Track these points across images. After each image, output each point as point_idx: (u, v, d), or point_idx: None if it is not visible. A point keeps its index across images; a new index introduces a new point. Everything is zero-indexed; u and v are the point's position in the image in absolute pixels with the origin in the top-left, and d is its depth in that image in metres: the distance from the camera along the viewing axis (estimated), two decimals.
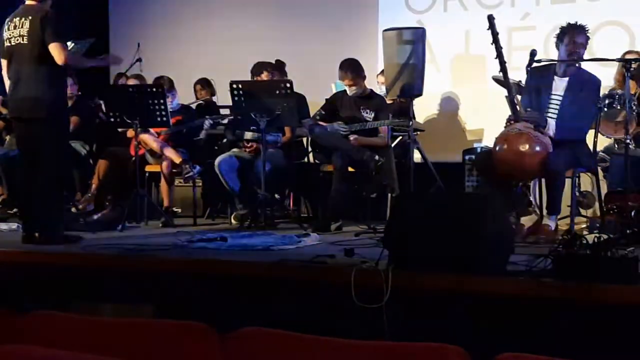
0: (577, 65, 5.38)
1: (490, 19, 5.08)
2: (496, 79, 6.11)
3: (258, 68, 6.99)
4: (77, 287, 4.42)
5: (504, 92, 5.80)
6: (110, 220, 6.28)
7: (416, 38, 6.07)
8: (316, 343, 2.38)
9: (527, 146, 5.03)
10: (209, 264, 4.31)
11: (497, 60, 5.00)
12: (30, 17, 5.11)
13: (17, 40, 5.15)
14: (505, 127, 5.29)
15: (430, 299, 3.64)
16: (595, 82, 5.36)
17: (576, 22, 5.35)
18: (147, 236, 5.67)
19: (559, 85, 5.35)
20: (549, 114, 5.28)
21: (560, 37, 5.33)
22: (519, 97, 5.42)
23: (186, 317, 2.83)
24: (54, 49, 5.04)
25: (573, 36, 5.27)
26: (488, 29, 5.09)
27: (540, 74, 5.44)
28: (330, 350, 2.34)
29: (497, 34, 5.07)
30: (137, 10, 9.74)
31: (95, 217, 6.62)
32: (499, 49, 5.08)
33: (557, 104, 5.31)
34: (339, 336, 2.52)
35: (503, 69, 5.13)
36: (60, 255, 4.71)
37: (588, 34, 5.33)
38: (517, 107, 5.20)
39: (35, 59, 5.11)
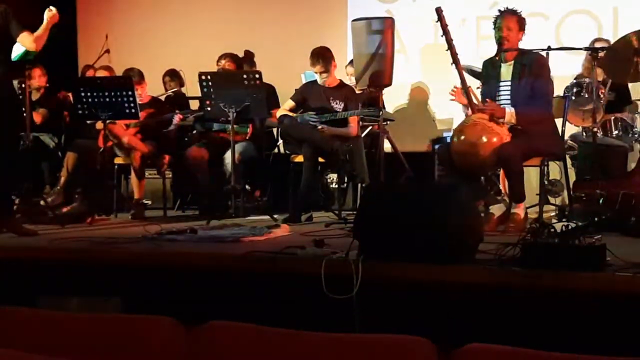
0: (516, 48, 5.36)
1: (439, 11, 5.11)
2: (466, 69, 6.13)
3: (219, 58, 6.99)
4: (43, 281, 4.37)
5: (475, 82, 5.83)
6: (79, 213, 6.23)
7: (385, 28, 6.09)
8: (283, 336, 2.38)
9: (481, 137, 5.04)
10: (178, 257, 4.29)
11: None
12: None
13: None
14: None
15: (400, 289, 3.65)
16: (539, 60, 5.34)
17: (506, 7, 5.36)
18: (116, 229, 5.63)
19: (506, 72, 5.36)
20: (502, 102, 5.28)
21: (494, 24, 5.34)
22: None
23: (155, 310, 2.81)
24: (25, 38, 5.09)
25: (503, 21, 5.28)
26: (437, 22, 5.11)
27: (490, 64, 5.47)
28: (298, 344, 2.34)
29: (447, 25, 5.10)
30: (105, 1, 9.64)
31: (64, 210, 6.55)
32: (449, 40, 5.11)
33: (507, 91, 5.32)
34: (310, 327, 2.51)
35: (455, 60, 5.15)
36: (27, 249, 4.66)
37: (520, 16, 5.32)
38: (472, 98, 5.22)
39: None
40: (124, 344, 2.43)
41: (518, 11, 5.32)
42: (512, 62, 5.32)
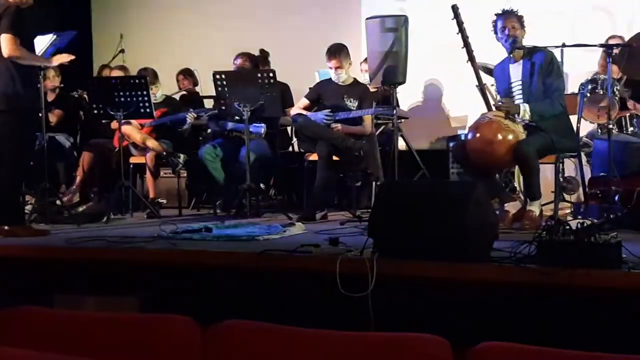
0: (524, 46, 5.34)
1: (455, 8, 5.11)
2: (481, 67, 6.11)
3: (236, 57, 7.01)
4: (60, 280, 4.40)
5: (487, 79, 5.82)
6: (95, 213, 6.26)
7: (399, 26, 6.08)
8: (299, 335, 2.38)
9: (497, 134, 5.04)
10: (194, 255, 4.30)
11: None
12: None
13: None
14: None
15: (415, 287, 3.65)
16: (546, 54, 5.30)
17: (503, 9, 5.35)
18: (132, 228, 5.65)
19: (515, 72, 5.35)
20: (516, 101, 5.28)
21: (495, 29, 5.32)
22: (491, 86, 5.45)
23: (171, 309, 2.83)
24: (3, 40, 5.04)
25: (504, 22, 5.27)
26: (453, 19, 5.10)
27: (500, 67, 5.48)
28: (314, 342, 2.34)
29: (463, 23, 5.09)
30: (119, 1, 9.68)
31: (80, 209, 6.59)
32: (465, 38, 5.10)
33: (520, 90, 5.31)
34: (325, 326, 2.52)
35: (471, 57, 5.15)
36: (43, 249, 4.69)
37: (519, 15, 5.31)
38: (488, 96, 5.22)
39: None
40: (140, 343, 2.44)
41: (515, 10, 5.31)
42: (521, 61, 5.31)
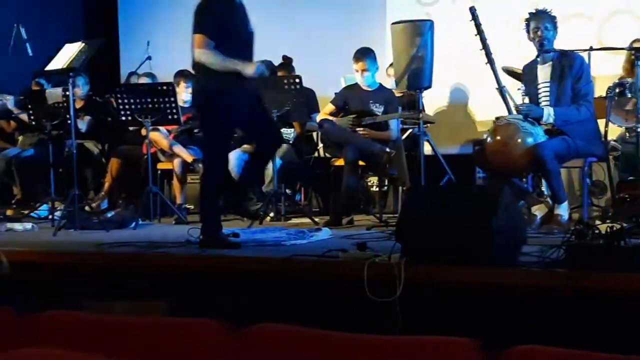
0: (554, 49, 5.32)
1: (472, 11, 5.10)
2: (506, 70, 6.10)
3: None
4: (91, 285, 4.44)
5: (514, 82, 5.80)
6: (123, 218, 6.30)
7: (425, 30, 6.07)
8: (330, 338, 2.39)
9: (513, 136, 5.02)
10: (222, 260, 4.32)
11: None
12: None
13: None
14: None
15: (443, 291, 3.64)
16: (577, 59, 5.28)
17: (536, 9, 5.32)
18: (160, 233, 5.69)
19: (544, 73, 5.33)
20: (543, 104, 5.26)
21: (527, 29, 5.30)
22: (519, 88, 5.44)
23: (200, 313, 2.85)
24: (194, 40, 4.79)
25: (538, 23, 5.25)
26: (471, 21, 5.10)
27: (528, 67, 5.45)
28: (345, 345, 2.35)
29: (481, 25, 5.09)
30: (146, 8, 9.75)
31: (109, 215, 6.64)
32: (483, 40, 5.10)
33: (547, 92, 5.29)
34: (352, 331, 2.52)
35: (489, 60, 5.14)
36: (74, 255, 4.73)
37: (552, 15, 5.28)
38: (508, 99, 5.21)
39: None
40: (172, 347, 2.47)
41: (548, 10, 5.29)
42: (551, 63, 5.29)
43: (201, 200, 5.03)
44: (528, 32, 5.29)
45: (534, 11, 5.32)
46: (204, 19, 4.75)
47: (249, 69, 4.71)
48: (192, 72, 5.07)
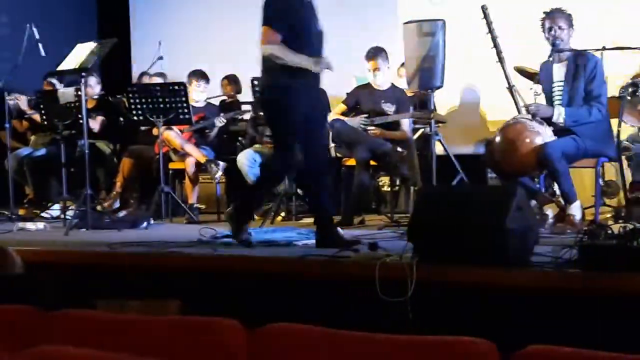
0: (569, 48, 5.31)
1: (484, 9, 5.10)
2: (518, 69, 6.09)
3: None
4: (103, 285, 4.46)
5: (526, 82, 5.79)
6: (135, 218, 6.33)
7: (436, 30, 6.06)
8: (343, 337, 2.39)
9: (519, 135, 5.02)
10: (234, 260, 4.33)
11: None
12: None
13: None
14: None
15: (455, 291, 3.64)
16: (592, 59, 5.26)
17: (552, 8, 5.30)
18: (172, 233, 5.70)
19: (558, 72, 5.31)
20: (557, 103, 5.25)
21: (542, 27, 5.29)
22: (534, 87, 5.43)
23: (212, 312, 2.85)
24: (262, 33, 4.68)
25: (551, 22, 5.23)
26: (482, 19, 5.10)
27: (545, 64, 5.43)
28: (358, 344, 2.35)
29: (492, 23, 5.09)
30: (158, 8, 9.77)
31: (121, 215, 6.67)
32: (494, 38, 5.10)
33: (560, 91, 5.28)
34: (364, 330, 2.52)
35: (500, 58, 5.14)
36: (86, 254, 4.75)
37: (567, 14, 5.27)
38: (517, 98, 5.20)
39: None
40: (185, 346, 2.47)
41: (563, 9, 5.27)
42: (566, 62, 5.27)
43: (247, 189, 4.92)
44: (543, 31, 5.28)
45: (548, 10, 5.30)
46: (272, 12, 4.64)
47: (316, 65, 4.66)
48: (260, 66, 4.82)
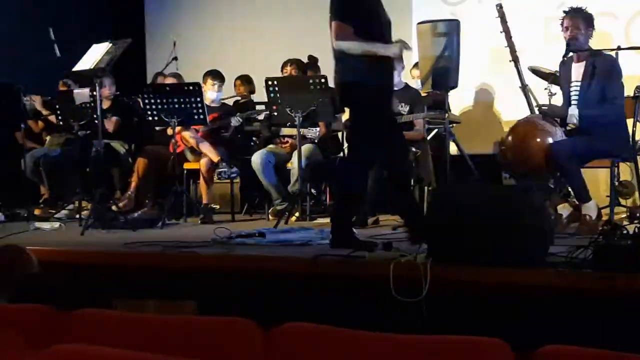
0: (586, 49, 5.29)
1: (499, 7, 5.10)
2: (532, 69, 6.08)
3: (284, 64, 7.06)
4: (120, 285, 4.48)
5: (541, 82, 5.78)
6: (150, 218, 6.35)
7: (450, 30, 6.05)
8: (358, 337, 2.40)
9: (529, 133, 5.02)
10: (249, 260, 4.35)
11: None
12: None
13: None
14: None
15: (469, 292, 3.64)
16: (611, 62, 5.26)
17: (571, 7, 5.29)
18: (186, 233, 5.72)
19: (577, 72, 5.30)
20: (573, 102, 5.24)
21: (561, 25, 5.28)
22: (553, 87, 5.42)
23: (227, 312, 2.86)
24: (332, 27, 4.56)
25: (569, 22, 5.21)
26: (497, 18, 5.11)
27: (564, 64, 5.42)
28: (373, 344, 2.36)
29: (507, 22, 5.09)
30: (172, 8, 9.81)
31: (136, 215, 6.69)
32: (508, 38, 5.10)
33: (577, 91, 5.27)
34: (378, 331, 2.53)
35: (513, 57, 5.14)
36: (102, 254, 4.78)
37: (587, 13, 5.25)
38: (530, 98, 5.20)
39: None
40: (202, 346, 2.49)
41: (584, 9, 5.25)
42: (583, 62, 5.25)
43: (334, 202, 4.83)
44: (562, 30, 5.26)
45: (568, 9, 5.29)
46: (342, 5, 4.55)
47: (392, 49, 4.54)
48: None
